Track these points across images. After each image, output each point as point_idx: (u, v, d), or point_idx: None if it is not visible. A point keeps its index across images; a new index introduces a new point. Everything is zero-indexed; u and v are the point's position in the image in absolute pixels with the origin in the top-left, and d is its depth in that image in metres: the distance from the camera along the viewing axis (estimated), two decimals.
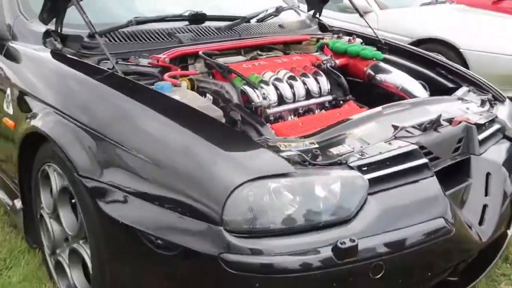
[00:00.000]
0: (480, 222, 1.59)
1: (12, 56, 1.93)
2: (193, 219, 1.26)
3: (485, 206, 1.62)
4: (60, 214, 1.68)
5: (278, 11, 2.47)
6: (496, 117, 1.89)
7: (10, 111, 1.85)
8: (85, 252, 1.57)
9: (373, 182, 1.38)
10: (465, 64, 4.20)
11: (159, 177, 1.34)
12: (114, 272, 1.45)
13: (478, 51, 4.40)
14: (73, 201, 1.61)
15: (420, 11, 5.27)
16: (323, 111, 1.93)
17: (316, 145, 1.44)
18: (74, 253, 1.65)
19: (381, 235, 1.32)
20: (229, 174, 1.27)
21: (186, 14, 2.17)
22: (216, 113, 1.55)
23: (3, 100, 1.91)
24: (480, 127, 1.76)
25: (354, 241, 1.24)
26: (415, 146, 1.51)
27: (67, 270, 1.70)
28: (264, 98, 1.75)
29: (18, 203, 2.01)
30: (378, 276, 1.30)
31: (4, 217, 2.34)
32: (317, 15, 2.69)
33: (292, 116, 1.84)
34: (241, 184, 1.24)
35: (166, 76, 1.74)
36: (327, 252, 1.24)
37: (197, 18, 2.17)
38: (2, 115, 1.93)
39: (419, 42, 4.46)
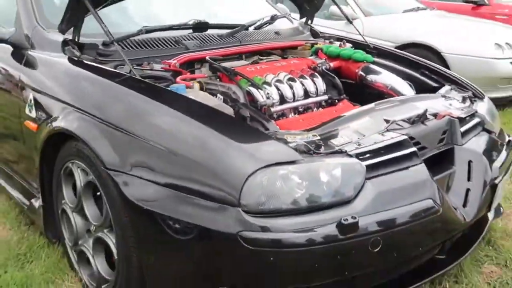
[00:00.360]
0: (464, 204, 1.78)
1: (33, 64, 2.08)
2: (213, 203, 1.42)
3: (468, 190, 1.81)
4: (84, 207, 1.82)
5: (273, 19, 2.66)
6: (476, 112, 2.09)
7: (33, 114, 1.99)
8: (110, 240, 1.72)
9: (369, 168, 1.56)
10: (447, 67, 4.42)
11: (180, 168, 1.50)
12: (140, 256, 1.59)
13: (459, 55, 4.64)
14: (98, 193, 1.76)
15: (403, 18, 5.50)
16: (320, 109, 2.11)
17: (318, 137, 1.62)
18: (98, 242, 1.79)
19: (378, 214, 1.49)
20: (244, 163, 1.43)
21: (190, 22, 2.34)
22: (228, 110, 1.72)
23: (25, 105, 2.05)
24: (462, 121, 1.96)
25: (355, 218, 1.42)
26: (405, 137, 1.70)
27: (91, 258, 1.84)
28: (268, 98, 1.93)
29: (36, 202, 2.15)
30: (376, 250, 1.47)
31: (19, 217, 2.48)
32: (309, 22, 2.89)
33: (293, 114, 2.02)
34: (255, 171, 1.41)
35: (178, 79, 1.91)
36: (332, 228, 1.41)
37: (200, 26, 2.34)
38: (23, 119, 2.07)
39: (403, 47, 4.68)
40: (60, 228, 2.04)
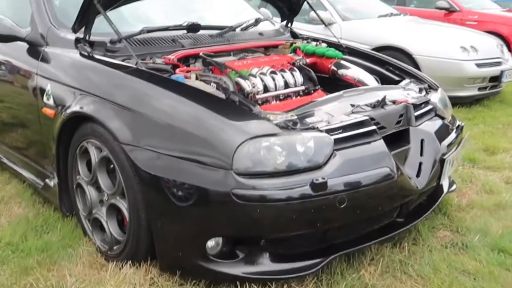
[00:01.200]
0: (417, 175, 2.15)
1: (49, 58, 2.39)
2: (210, 167, 1.76)
3: (420, 163, 2.18)
4: (98, 179, 2.13)
5: (257, 21, 3.00)
6: (429, 100, 2.47)
7: (51, 102, 2.30)
8: (123, 205, 2.03)
9: (337, 141, 1.91)
10: (417, 68, 4.80)
11: (182, 141, 1.83)
12: (149, 218, 1.91)
13: (428, 57, 5.05)
14: (111, 166, 2.07)
15: (378, 22, 5.92)
16: (298, 97, 2.47)
17: (296, 117, 1.97)
18: (111, 208, 2.11)
19: (343, 177, 1.84)
20: (235, 135, 1.78)
21: (185, 24, 2.68)
22: (220, 95, 2.06)
23: (42, 94, 2.36)
24: (417, 107, 2.33)
25: (324, 178, 1.77)
26: (367, 117, 2.06)
27: (105, 224, 2.15)
28: (253, 87, 2.27)
29: (51, 181, 2.47)
30: (342, 206, 1.82)
31: (33, 196, 2.77)
32: (289, 25, 3.25)
33: (275, 101, 2.37)
34: (243, 142, 1.75)
35: (177, 71, 2.25)
36: (306, 188, 1.76)
37: (193, 28, 2.68)
38: (41, 107, 2.38)
39: (378, 50, 5.06)
40: (74, 202, 2.35)
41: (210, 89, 2.15)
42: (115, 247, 2.12)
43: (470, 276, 2.10)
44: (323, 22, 3.20)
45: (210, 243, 1.86)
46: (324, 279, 2.01)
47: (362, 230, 2.08)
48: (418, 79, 2.72)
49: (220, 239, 1.87)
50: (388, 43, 5.26)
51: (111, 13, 2.36)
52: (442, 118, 2.47)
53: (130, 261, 2.03)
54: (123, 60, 2.27)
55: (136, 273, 2.00)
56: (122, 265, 2.04)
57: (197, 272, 1.91)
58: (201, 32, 2.70)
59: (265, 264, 1.87)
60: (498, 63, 5.30)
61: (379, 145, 2.01)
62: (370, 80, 2.60)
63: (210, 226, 1.82)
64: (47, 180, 2.51)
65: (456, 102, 4.94)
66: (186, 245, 1.89)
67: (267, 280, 1.90)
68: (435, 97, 2.56)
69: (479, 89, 5.19)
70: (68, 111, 2.17)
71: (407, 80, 2.68)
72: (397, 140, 2.20)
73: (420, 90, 2.56)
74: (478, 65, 5.09)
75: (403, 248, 2.27)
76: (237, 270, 1.86)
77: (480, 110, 5.16)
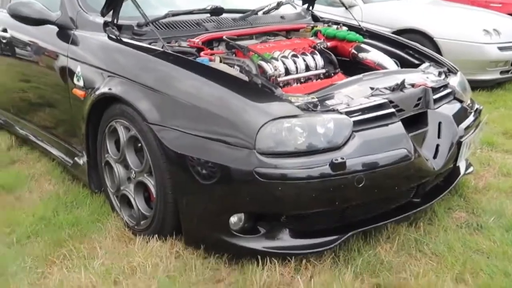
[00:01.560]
0: (434, 156, 2.20)
1: (79, 41, 2.49)
2: (234, 147, 1.84)
3: (438, 145, 2.22)
4: (127, 157, 2.24)
5: (279, 5, 3.05)
6: (448, 84, 2.50)
7: (81, 83, 2.40)
8: (150, 182, 2.14)
9: (356, 123, 1.97)
10: (438, 52, 4.78)
11: (207, 121, 1.92)
12: (175, 194, 2.01)
13: (450, 40, 5.02)
14: (139, 145, 2.17)
15: (399, 5, 5.86)
16: (319, 80, 2.52)
17: (316, 99, 2.03)
18: (139, 185, 2.22)
19: (362, 157, 1.91)
20: (258, 116, 1.86)
21: (208, 8, 2.74)
22: (244, 78, 2.14)
23: (73, 75, 2.46)
24: (435, 90, 2.37)
25: (343, 159, 1.84)
26: (386, 100, 2.11)
27: (132, 200, 2.26)
28: (275, 70, 2.33)
29: (80, 160, 2.58)
30: (360, 185, 1.89)
31: (63, 174, 2.90)
32: (310, 8, 3.29)
33: (296, 84, 2.44)
34: (266, 123, 1.83)
35: (202, 54, 2.32)
36: (326, 167, 1.84)
37: (217, 11, 2.74)
38: (72, 88, 2.48)
39: (399, 32, 5.05)
40: (103, 179, 2.47)
41: (234, 71, 2.22)
42: (142, 222, 2.23)
43: (484, 255, 2.16)
44: (343, 5, 3.24)
45: (233, 219, 1.96)
46: (342, 255, 2.09)
47: (379, 209, 2.15)
48: (437, 63, 2.75)
49: (242, 215, 1.97)
50: (409, 26, 5.23)
51: None
52: (461, 101, 2.50)
53: (156, 235, 2.14)
54: (149, 43, 2.35)
55: (162, 247, 2.11)
56: (149, 239, 2.15)
57: (220, 247, 2.02)
58: (224, 15, 2.76)
59: (285, 239, 1.96)
60: None
61: (397, 127, 2.06)
62: (390, 63, 2.64)
63: (233, 203, 1.91)
64: (76, 158, 2.63)
65: (478, 85, 4.92)
66: (210, 221, 1.99)
67: (286, 254, 2.00)
68: (454, 80, 2.58)
69: (501, 72, 5.15)
70: (97, 92, 2.27)
71: (426, 64, 2.71)
72: (415, 122, 2.25)
73: (440, 74, 2.59)
74: (501, 49, 5.04)
75: (419, 228, 2.34)
76: (258, 244, 1.96)
77: (501, 93, 5.12)
